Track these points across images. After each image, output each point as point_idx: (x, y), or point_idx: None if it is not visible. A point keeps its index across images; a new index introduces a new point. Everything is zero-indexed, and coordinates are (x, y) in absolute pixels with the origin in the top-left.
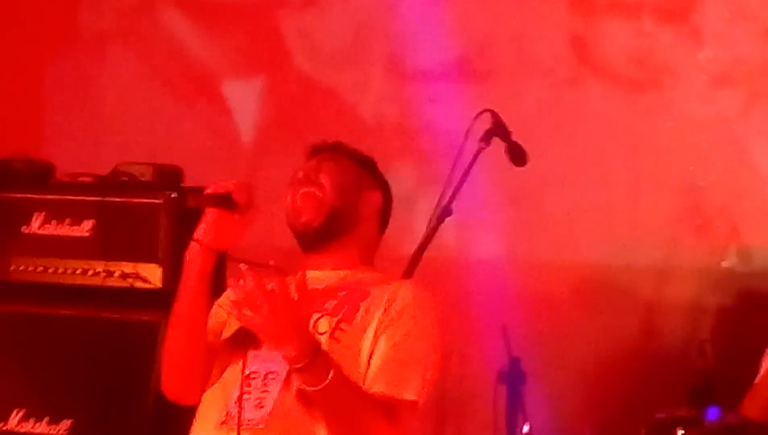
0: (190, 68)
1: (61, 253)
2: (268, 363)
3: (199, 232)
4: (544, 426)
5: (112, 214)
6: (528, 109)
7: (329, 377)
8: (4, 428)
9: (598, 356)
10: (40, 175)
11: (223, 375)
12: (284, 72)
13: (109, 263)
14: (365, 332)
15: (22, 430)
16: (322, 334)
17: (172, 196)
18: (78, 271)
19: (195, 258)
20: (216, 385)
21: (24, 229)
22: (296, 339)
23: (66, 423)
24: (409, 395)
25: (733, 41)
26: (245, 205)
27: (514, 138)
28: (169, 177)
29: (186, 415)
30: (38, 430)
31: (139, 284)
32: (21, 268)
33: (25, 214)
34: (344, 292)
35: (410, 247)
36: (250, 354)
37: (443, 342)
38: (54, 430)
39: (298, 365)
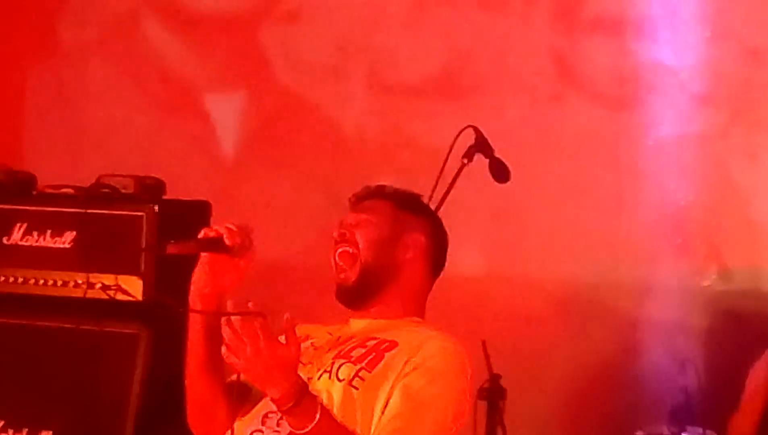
0: (172, 81)
1: (42, 264)
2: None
3: (194, 278)
4: None
5: (93, 226)
6: (510, 125)
7: (315, 420)
8: None
9: (579, 373)
10: (21, 187)
11: (254, 408)
12: (266, 86)
13: (90, 275)
14: (385, 381)
15: None
16: (341, 380)
17: (154, 208)
18: (59, 283)
19: (195, 305)
20: (246, 417)
21: (5, 240)
22: (280, 381)
23: (46, 434)
24: None
25: (714, 61)
26: (239, 247)
27: (496, 154)
28: (150, 190)
29: (166, 428)
30: None
31: (120, 296)
32: (1, 279)
33: (6, 225)
34: (374, 342)
35: None
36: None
37: (466, 399)
38: None
39: (284, 407)
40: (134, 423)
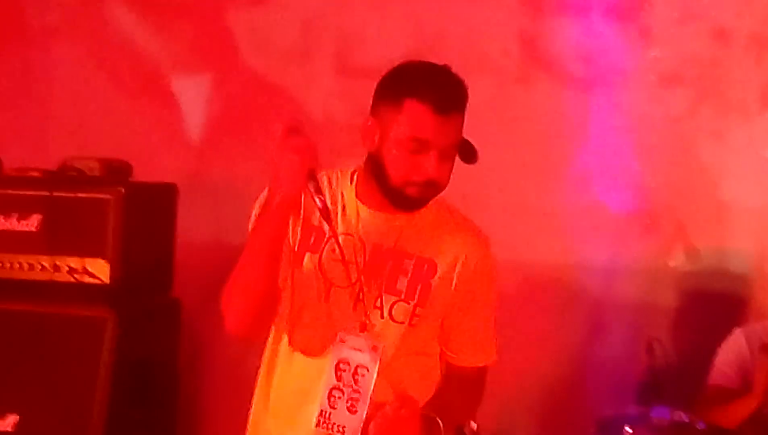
0: (139, 64)
1: (7, 247)
2: (357, 353)
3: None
4: (492, 424)
5: (60, 209)
6: (478, 106)
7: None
8: None
9: (547, 354)
10: None
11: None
12: (232, 69)
13: (57, 258)
14: (440, 313)
15: None
16: (400, 323)
17: (121, 191)
18: (25, 266)
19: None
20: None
21: None
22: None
23: (12, 418)
24: (491, 359)
25: (681, 41)
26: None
27: (464, 135)
28: (117, 172)
29: (133, 409)
30: None
31: (86, 279)
32: None
33: None
34: (411, 263)
35: None
36: (339, 336)
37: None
38: (0, 425)
39: None
40: (102, 406)
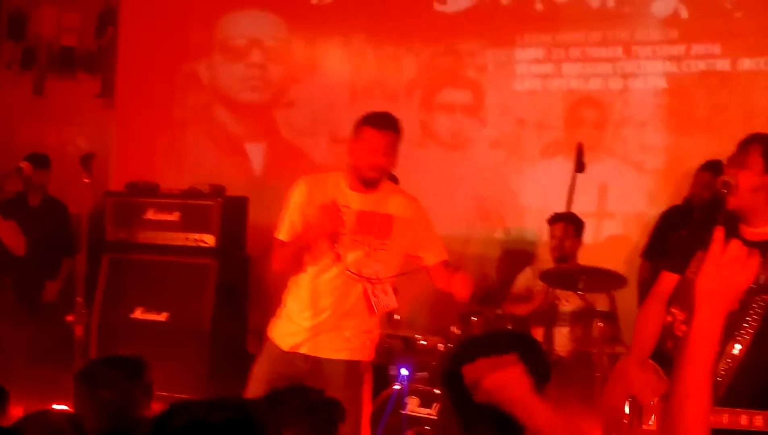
0: (230, 136)
1: (163, 228)
2: (373, 264)
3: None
4: (406, 315)
5: (189, 209)
6: (401, 159)
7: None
8: (132, 316)
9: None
10: (152, 189)
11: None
12: (276, 139)
13: (187, 234)
14: (398, 241)
15: (142, 317)
16: (377, 248)
17: (220, 200)
18: (172, 238)
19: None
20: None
21: (144, 216)
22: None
23: (165, 314)
24: (446, 255)
25: (500, 125)
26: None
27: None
28: (218, 191)
29: (225, 311)
30: (150, 318)
31: (202, 244)
32: (142, 236)
33: (144, 209)
34: (380, 218)
35: None
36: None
37: None
38: (159, 317)
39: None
40: (209, 307)
